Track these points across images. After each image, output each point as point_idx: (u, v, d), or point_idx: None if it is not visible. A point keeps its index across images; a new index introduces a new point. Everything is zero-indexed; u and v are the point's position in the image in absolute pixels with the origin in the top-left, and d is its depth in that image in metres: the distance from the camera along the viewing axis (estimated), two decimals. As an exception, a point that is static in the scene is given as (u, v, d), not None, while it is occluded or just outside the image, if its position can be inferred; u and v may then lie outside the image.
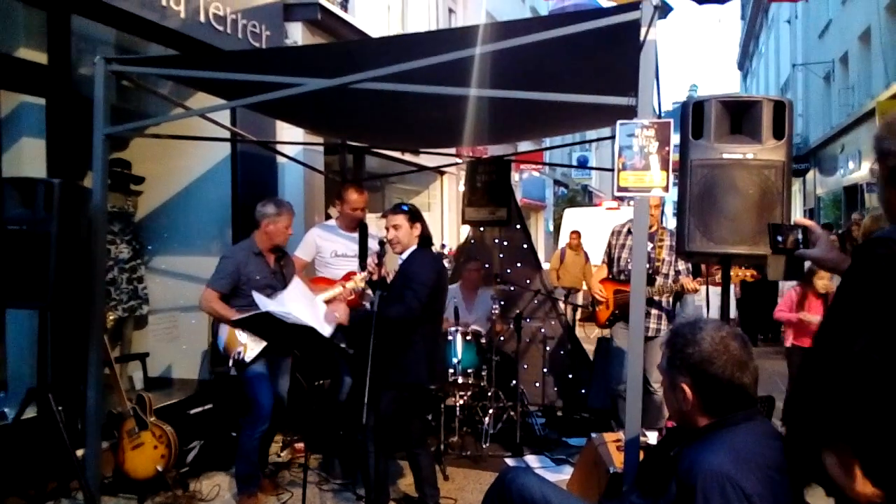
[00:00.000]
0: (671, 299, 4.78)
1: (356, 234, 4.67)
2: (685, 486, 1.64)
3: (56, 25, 4.22)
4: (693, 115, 2.79)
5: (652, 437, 3.24)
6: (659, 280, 4.57)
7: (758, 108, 2.74)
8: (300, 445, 4.77)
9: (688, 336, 1.80)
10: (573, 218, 13.45)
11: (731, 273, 3.46)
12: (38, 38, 4.24)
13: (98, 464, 3.70)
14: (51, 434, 3.52)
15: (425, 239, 3.66)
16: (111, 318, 4.83)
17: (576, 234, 10.80)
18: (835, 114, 15.70)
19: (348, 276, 4.40)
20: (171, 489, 4.01)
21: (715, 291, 4.66)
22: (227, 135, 5.26)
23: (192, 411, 4.68)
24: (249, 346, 3.83)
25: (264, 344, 3.81)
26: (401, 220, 3.60)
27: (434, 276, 3.53)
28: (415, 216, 3.64)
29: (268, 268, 3.99)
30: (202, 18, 5.16)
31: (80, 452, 3.78)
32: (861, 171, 13.21)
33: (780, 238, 2.19)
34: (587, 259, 10.39)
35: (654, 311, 4.57)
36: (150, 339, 5.73)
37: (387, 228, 3.67)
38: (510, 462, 4.70)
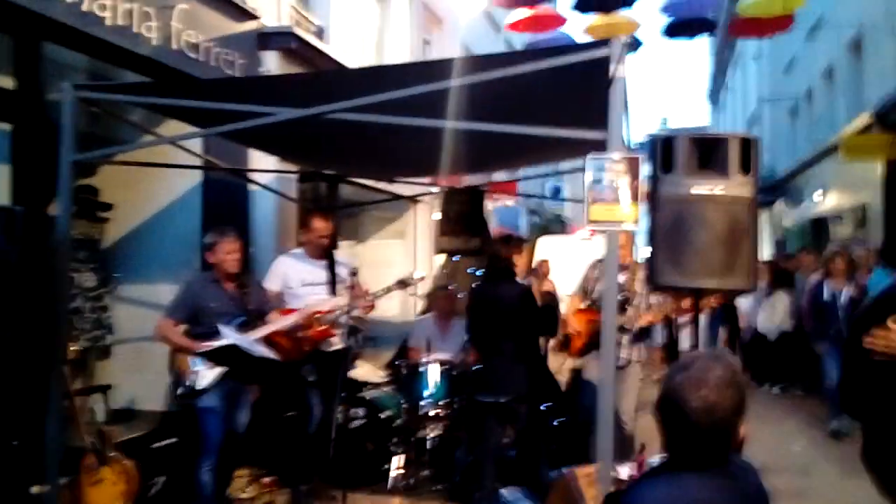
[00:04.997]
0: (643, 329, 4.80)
1: (324, 262, 4.63)
2: None
3: (24, 51, 4.17)
4: (662, 150, 2.84)
5: (623, 472, 3.21)
6: (630, 310, 4.59)
7: (725, 144, 2.79)
8: (268, 480, 4.65)
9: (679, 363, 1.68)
10: (546, 246, 13.49)
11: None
12: (6, 64, 4.18)
13: (56, 501, 3.57)
14: (6, 470, 3.40)
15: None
16: (74, 348, 4.70)
17: (545, 262, 10.82)
18: (801, 147, 16.10)
19: (289, 312, 4.35)
20: (132, 527, 3.87)
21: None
22: (198, 162, 5.21)
23: (156, 445, 4.56)
24: (202, 374, 3.76)
25: (218, 371, 3.73)
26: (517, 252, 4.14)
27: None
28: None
29: (225, 295, 3.93)
30: (175, 46, 5.13)
31: (37, 489, 3.65)
32: (826, 203, 13.51)
33: None
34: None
35: (624, 340, 4.58)
36: (113, 370, 5.58)
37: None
38: (505, 493, 4.63)
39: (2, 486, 3.56)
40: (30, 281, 3.23)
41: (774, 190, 18.00)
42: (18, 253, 3.17)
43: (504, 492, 4.65)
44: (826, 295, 6.68)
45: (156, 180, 5.55)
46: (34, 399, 3.73)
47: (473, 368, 4.60)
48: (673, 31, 8.86)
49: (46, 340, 3.54)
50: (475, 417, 4.74)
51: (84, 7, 4.28)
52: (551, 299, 8.18)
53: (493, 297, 4.69)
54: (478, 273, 6.75)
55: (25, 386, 3.91)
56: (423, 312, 6.83)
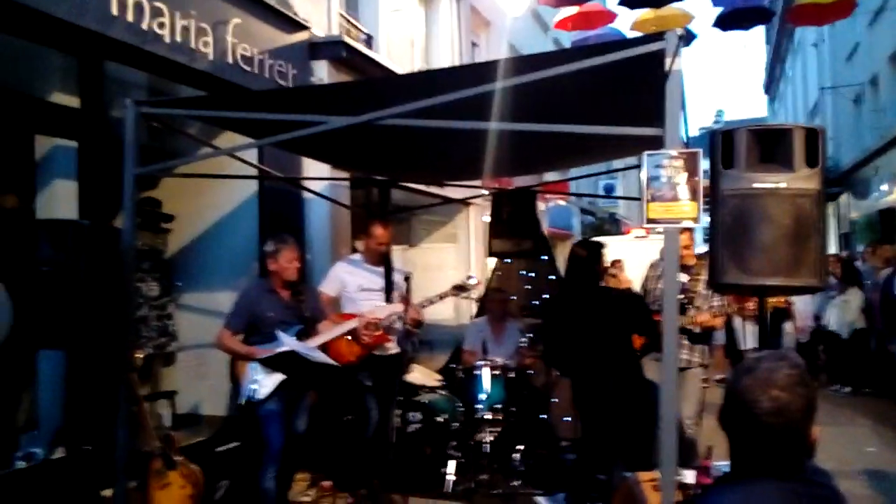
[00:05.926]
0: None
1: (381, 269, 4.66)
2: None
3: (88, 70, 4.33)
4: (723, 144, 2.75)
5: (688, 476, 3.12)
6: (692, 311, 4.47)
7: (789, 136, 2.68)
8: (327, 483, 4.70)
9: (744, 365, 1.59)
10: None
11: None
12: (71, 83, 4.36)
13: (126, 504, 3.69)
14: (79, 474, 3.53)
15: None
16: (140, 356, 4.86)
17: (619, 262, 10.64)
18: (866, 136, 15.44)
19: (347, 317, 4.39)
20: (199, 530, 3.97)
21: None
22: (254, 172, 5.32)
23: (220, 449, 4.66)
24: (262, 383, 3.82)
25: (279, 380, 3.79)
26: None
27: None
28: None
29: (281, 303, 3.99)
30: (230, 60, 5.26)
31: (107, 492, 3.78)
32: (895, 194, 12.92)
33: None
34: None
35: (685, 342, 4.46)
36: (178, 377, 5.75)
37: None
38: (542, 500, 4.57)
39: (74, 489, 3.69)
40: (98, 291, 3.34)
41: (839, 182, 17.31)
42: (86, 264, 3.28)
43: (541, 500, 4.58)
44: (897, 290, 6.39)
45: (214, 191, 5.70)
46: (104, 405, 3.87)
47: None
48: (726, 22, 8.56)
49: (115, 349, 3.66)
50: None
51: (143, 25, 4.43)
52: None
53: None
54: (531, 275, 6.70)
55: (96, 393, 4.06)
56: (477, 315, 6.81)
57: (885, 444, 6.04)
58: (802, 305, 8.90)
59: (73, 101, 4.34)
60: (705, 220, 2.87)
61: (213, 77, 5.09)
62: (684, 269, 4.44)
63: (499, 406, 4.98)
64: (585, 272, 4.17)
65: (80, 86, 4.33)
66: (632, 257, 11.86)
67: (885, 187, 13.58)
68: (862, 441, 5.93)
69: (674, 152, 2.72)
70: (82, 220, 3.90)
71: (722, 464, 2.65)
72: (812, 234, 2.64)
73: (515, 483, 4.81)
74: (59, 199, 4.38)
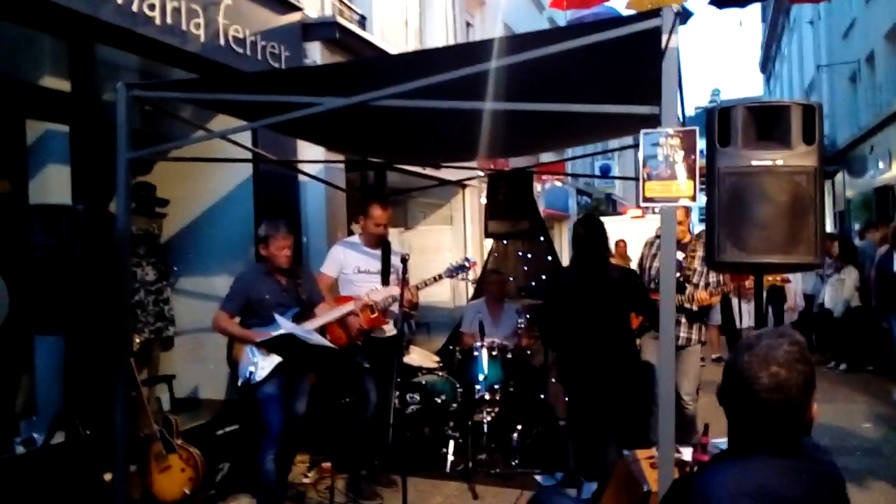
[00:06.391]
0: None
1: (379, 251, 4.65)
2: None
3: (78, 54, 4.28)
4: (719, 122, 2.73)
5: (686, 454, 3.14)
6: (689, 288, 4.48)
7: (786, 112, 2.66)
8: (327, 465, 4.73)
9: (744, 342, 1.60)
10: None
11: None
12: (62, 67, 4.31)
13: (126, 487, 3.70)
14: (79, 458, 3.53)
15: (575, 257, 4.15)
16: (138, 340, 4.86)
17: (622, 242, 10.65)
18: (862, 114, 15.40)
19: (345, 299, 4.39)
20: (200, 512, 4.00)
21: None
22: (248, 155, 5.29)
23: (220, 432, 4.68)
24: (260, 365, 3.82)
25: (276, 362, 3.79)
26: None
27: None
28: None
29: (278, 286, 3.99)
30: (222, 41, 5.20)
31: (108, 476, 3.79)
32: (892, 171, 12.91)
33: None
34: None
35: (683, 320, 4.48)
36: (176, 361, 5.76)
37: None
38: (539, 479, 4.61)
39: (76, 473, 3.71)
40: (93, 276, 3.33)
41: (835, 160, 17.30)
42: (81, 249, 3.26)
43: (538, 478, 4.62)
44: (895, 267, 6.40)
45: (209, 175, 5.67)
46: (103, 390, 3.87)
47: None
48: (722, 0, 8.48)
49: (112, 334, 3.66)
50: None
51: (134, 7, 4.37)
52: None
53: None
54: (528, 256, 6.70)
55: (95, 378, 4.06)
56: (474, 297, 6.82)
57: (881, 421, 6.09)
58: (794, 284, 8.94)
59: (63, 85, 4.29)
60: (702, 199, 2.86)
61: (204, 59, 5.04)
62: (680, 246, 4.44)
63: (497, 386, 5.00)
64: (585, 250, 4.17)
65: (71, 69, 4.28)
66: (629, 238, 11.87)
67: (880, 165, 13.57)
68: (858, 418, 5.98)
69: (670, 130, 2.71)
70: (76, 205, 3.86)
71: (720, 441, 2.67)
72: (809, 211, 2.63)
73: (514, 462, 4.85)
74: (52, 185, 4.35)
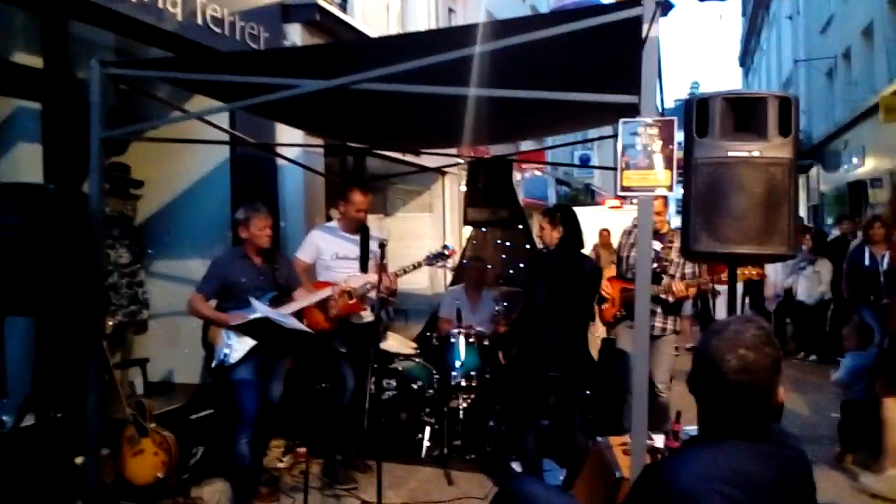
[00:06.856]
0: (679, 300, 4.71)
1: (357, 237, 4.62)
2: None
3: (51, 30, 4.18)
4: (697, 112, 2.75)
5: (659, 441, 3.19)
6: (665, 279, 4.52)
7: (763, 104, 2.69)
8: (302, 450, 4.72)
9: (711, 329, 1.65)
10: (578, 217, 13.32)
11: (738, 272, 3.41)
12: (34, 43, 4.21)
13: (98, 471, 3.66)
14: (50, 441, 3.49)
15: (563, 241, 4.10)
16: (111, 323, 4.79)
17: (606, 231, 10.60)
18: (838, 109, 15.61)
19: (322, 285, 4.38)
20: (172, 496, 3.98)
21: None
22: (225, 138, 5.22)
23: (193, 416, 4.65)
24: (235, 348, 3.80)
25: (250, 345, 3.77)
26: (544, 222, 4.20)
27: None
28: (554, 219, 4.13)
29: (254, 270, 3.96)
30: (199, 21, 5.11)
31: (79, 460, 3.75)
32: (865, 166, 13.13)
33: None
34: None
35: (659, 310, 4.52)
36: (150, 344, 5.69)
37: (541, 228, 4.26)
38: (515, 466, 4.65)
39: (47, 457, 3.66)
40: (65, 257, 3.27)
41: (810, 154, 17.54)
42: (53, 230, 3.20)
43: (513, 464, 4.65)
44: (867, 261, 6.52)
45: (185, 157, 5.58)
46: (75, 373, 3.82)
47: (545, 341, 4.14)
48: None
49: (85, 316, 3.60)
50: (513, 388, 4.66)
51: (109, -17, 4.27)
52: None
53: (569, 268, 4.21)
54: (507, 244, 6.72)
55: (66, 360, 4.01)
56: (452, 284, 6.83)
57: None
58: (773, 275, 9.06)
59: (36, 62, 4.19)
60: (679, 190, 2.89)
61: (181, 38, 4.95)
62: (657, 236, 4.47)
63: (473, 373, 5.02)
64: (566, 238, 4.15)
65: (44, 45, 4.18)
66: (607, 227, 11.90)
67: (854, 160, 13.79)
68: (827, 407, 6.09)
69: (649, 120, 2.72)
70: (48, 184, 3.79)
71: (691, 428, 2.71)
72: (784, 202, 2.67)
73: (489, 449, 4.88)
74: (24, 163, 4.25)
